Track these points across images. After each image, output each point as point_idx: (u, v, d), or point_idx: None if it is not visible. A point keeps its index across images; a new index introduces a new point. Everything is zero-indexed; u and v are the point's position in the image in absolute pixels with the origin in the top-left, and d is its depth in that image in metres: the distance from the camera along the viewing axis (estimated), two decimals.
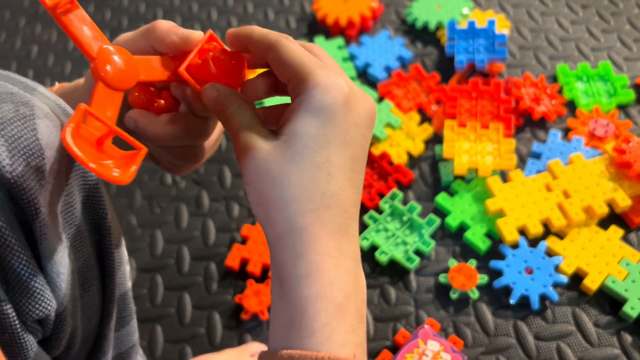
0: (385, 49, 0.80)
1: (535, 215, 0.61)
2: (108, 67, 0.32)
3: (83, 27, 0.31)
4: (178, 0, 0.93)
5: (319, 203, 0.29)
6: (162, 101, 0.36)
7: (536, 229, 0.61)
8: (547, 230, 0.62)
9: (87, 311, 0.36)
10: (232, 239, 0.65)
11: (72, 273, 0.33)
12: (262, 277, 0.62)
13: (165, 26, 0.34)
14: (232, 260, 0.62)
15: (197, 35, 0.34)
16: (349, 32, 0.82)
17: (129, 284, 0.40)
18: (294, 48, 0.31)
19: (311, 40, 0.83)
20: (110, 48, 0.32)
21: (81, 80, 0.43)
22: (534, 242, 0.61)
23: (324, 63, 0.32)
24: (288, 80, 0.31)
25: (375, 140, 0.70)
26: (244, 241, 0.64)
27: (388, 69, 0.78)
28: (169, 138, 0.34)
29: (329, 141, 0.30)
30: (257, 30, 0.33)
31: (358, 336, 0.29)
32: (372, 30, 0.84)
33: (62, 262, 0.31)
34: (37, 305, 0.31)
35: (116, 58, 0.32)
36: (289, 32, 0.86)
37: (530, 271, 0.59)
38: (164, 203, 0.69)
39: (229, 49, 0.35)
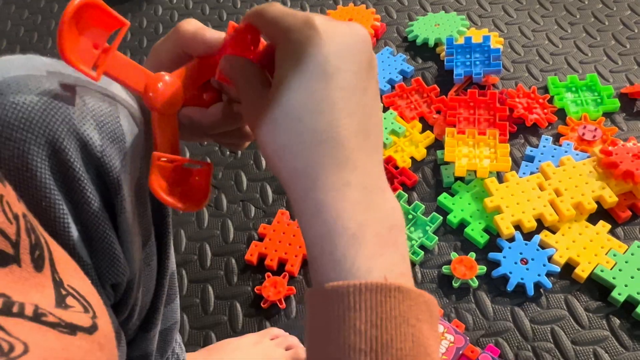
0: (388, 64, 0.88)
1: (529, 211, 0.69)
2: (159, 98, 0.34)
3: (126, 71, 0.34)
4: (191, 4, 1.03)
5: (309, 142, 0.29)
6: (207, 95, 0.40)
7: (530, 224, 0.68)
8: (541, 225, 0.69)
9: (147, 284, 0.41)
10: (249, 237, 0.72)
11: (139, 248, 0.38)
12: (279, 270, 0.69)
13: (190, 31, 0.35)
14: (251, 255, 0.69)
15: (222, 39, 0.36)
16: None
17: (174, 265, 0.46)
18: (274, 9, 0.32)
19: None
20: (154, 79, 0.35)
21: None
22: (528, 236, 0.68)
23: (300, 12, 0.31)
24: (272, 40, 0.32)
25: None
26: (261, 239, 0.72)
27: (391, 82, 0.86)
28: (220, 125, 0.39)
29: (308, 77, 0.29)
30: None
31: (387, 260, 0.28)
32: (376, 47, 0.92)
33: (134, 235, 0.37)
34: (115, 271, 0.35)
35: (161, 86, 0.35)
36: None
37: (525, 262, 0.66)
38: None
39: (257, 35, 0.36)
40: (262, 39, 0.36)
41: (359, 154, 0.30)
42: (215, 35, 0.35)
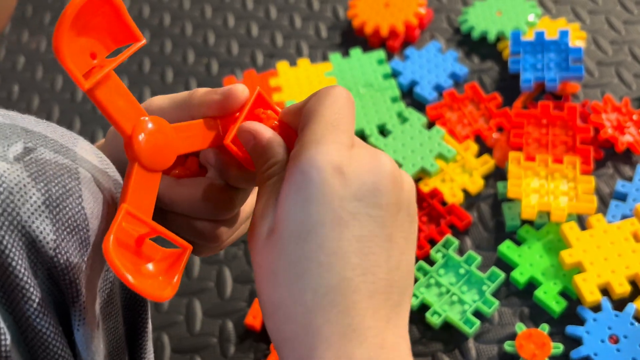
0: (435, 64, 0.81)
1: (621, 270, 0.61)
2: (147, 147, 0.33)
3: (117, 100, 0.32)
4: (188, 4, 0.96)
5: (310, 305, 0.28)
6: (184, 167, 0.38)
7: (622, 288, 0.61)
8: (636, 290, 0.62)
9: None
10: (252, 292, 0.66)
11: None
12: None
13: (202, 90, 0.37)
14: (253, 318, 0.63)
15: (240, 90, 0.36)
16: (392, 43, 0.84)
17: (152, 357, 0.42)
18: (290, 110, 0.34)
19: (346, 53, 0.85)
20: (147, 122, 0.33)
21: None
22: (619, 304, 0.61)
23: (318, 121, 0.31)
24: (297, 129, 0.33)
25: (424, 174, 0.71)
26: None
27: (439, 88, 0.79)
28: (187, 206, 0.37)
29: (319, 223, 0.29)
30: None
31: None
32: (419, 41, 0.85)
33: (98, 350, 0.33)
34: None
35: (153, 133, 0.33)
36: (320, 42, 0.88)
37: (615, 340, 0.59)
38: (171, 248, 0.70)
39: (277, 110, 0.37)
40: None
41: (371, 321, 0.29)
42: (232, 88, 0.36)
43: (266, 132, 0.34)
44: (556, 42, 0.77)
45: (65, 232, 0.31)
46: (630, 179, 0.69)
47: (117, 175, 0.35)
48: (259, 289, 0.30)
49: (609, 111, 0.73)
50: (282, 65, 0.84)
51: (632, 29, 0.82)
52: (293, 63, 0.85)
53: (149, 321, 0.41)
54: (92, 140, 0.81)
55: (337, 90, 0.33)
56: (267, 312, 0.30)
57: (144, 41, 0.32)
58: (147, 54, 0.91)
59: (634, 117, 0.72)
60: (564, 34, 0.77)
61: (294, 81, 0.82)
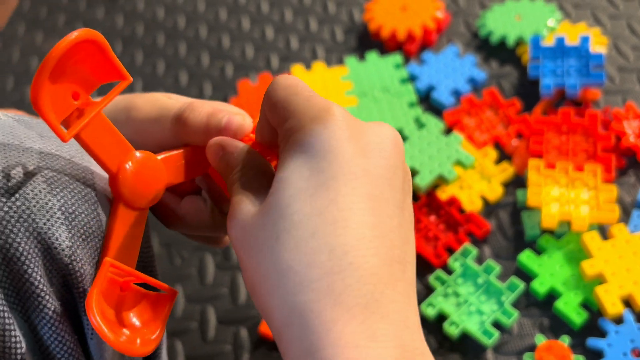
0: (453, 69, 0.80)
1: None
2: (130, 184, 0.31)
3: (101, 138, 0.30)
4: (203, 7, 0.96)
5: (327, 266, 0.24)
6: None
7: None
8: None
9: None
10: None
11: None
12: None
13: (196, 117, 0.34)
14: (267, 327, 0.62)
15: (237, 122, 0.35)
16: (409, 48, 0.83)
17: None
18: (279, 86, 0.31)
19: (362, 56, 0.84)
20: (133, 158, 0.32)
21: None
22: None
23: (312, 95, 0.30)
24: (276, 125, 0.30)
25: (442, 181, 0.70)
26: None
27: (457, 93, 0.78)
28: (191, 225, 0.37)
29: (332, 177, 0.26)
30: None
31: None
32: (437, 45, 0.84)
33: (113, 359, 0.33)
34: None
35: (140, 170, 0.32)
36: (335, 46, 0.87)
37: (638, 353, 0.58)
38: (185, 252, 0.70)
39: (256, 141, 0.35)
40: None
41: (392, 293, 0.25)
42: (232, 119, 0.34)
43: (236, 141, 0.33)
44: (577, 47, 0.76)
45: (80, 240, 0.30)
46: None
47: None
48: (250, 265, 0.26)
49: (631, 118, 0.72)
50: (297, 69, 0.83)
51: None
52: (308, 66, 0.84)
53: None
54: None
55: (290, 79, 0.32)
56: (269, 285, 0.25)
57: (131, 79, 0.31)
58: (162, 57, 0.90)
59: None
60: (585, 39, 0.76)
61: (309, 85, 0.81)
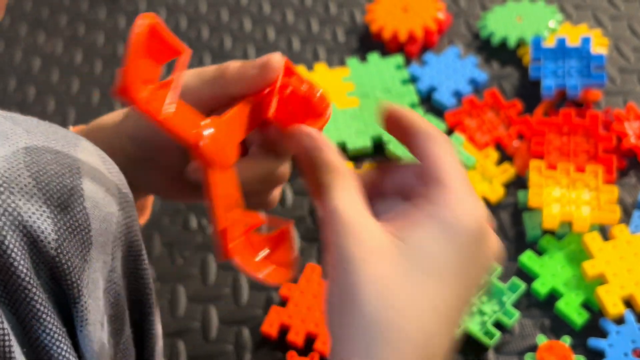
0: (454, 70, 0.80)
1: None
2: (212, 149, 0.34)
3: (177, 114, 0.33)
4: (205, 8, 0.96)
5: (413, 339, 0.28)
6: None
7: None
8: None
9: None
10: (269, 300, 0.66)
11: None
12: (306, 349, 0.62)
13: (235, 65, 0.37)
14: (270, 326, 0.63)
15: (276, 60, 0.37)
16: (410, 49, 0.83)
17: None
18: (439, 144, 0.33)
19: (363, 58, 0.84)
20: (207, 126, 0.34)
21: (105, 119, 0.45)
22: None
23: (462, 173, 0.33)
24: (417, 174, 0.33)
25: None
26: (283, 302, 0.65)
27: (458, 94, 0.78)
28: (250, 182, 0.38)
29: (450, 271, 0.29)
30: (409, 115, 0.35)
31: None
32: (438, 46, 0.85)
33: (103, 352, 0.33)
34: None
35: (215, 135, 0.34)
36: (336, 47, 0.87)
37: (639, 354, 0.58)
38: (187, 252, 0.70)
39: (305, 80, 0.38)
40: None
41: None
42: (267, 58, 0.37)
43: (330, 145, 0.34)
44: (578, 49, 0.76)
45: (67, 232, 0.30)
46: None
47: (120, 176, 0.35)
48: (358, 289, 0.29)
49: (632, 119, 0.72)
50: (299, 70, 0.83)
51: None
52: (310, 67, 0.85)
53: (157, 325, 0.41)
54: None
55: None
56: (359, 318, 0.28)
57: (190, 50, 0.34)
58: None
59: None
60: (586, 40, 0.76)
61: None
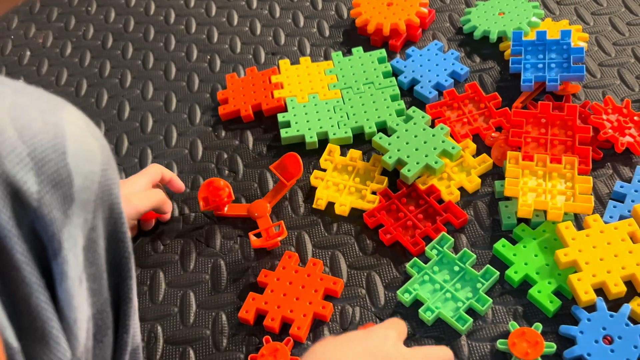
0: (436, 63, 0.81)
1: (616, 271, 0.61)
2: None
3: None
4: (193, 1, 0.97)
5: None
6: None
7: (618, 288, 0.60)
8: (633, 291, 0.61)
9: None
10: (246, 286, 0.66)
11: (88, 320, 0.36)
12: (282, 334, 0.62)
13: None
14: (246, 312, 0.63)
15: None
16: (393, 42, 0.84)
17: (139, 337, 0.42)
18: None
19: (349, 51, 0.85)
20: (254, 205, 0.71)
21: None
22: (614, 305, 0.60)
23: None
24: None
25: (429, 172, 0.70)
26: (261, 289, 0.65)
27: (439, 87, 0.79)
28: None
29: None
30: None
31: None
32: (421, 40, 0.86)
33: (81, 307, 0.34)
34: (52, 356, 0.33)
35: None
36: (322, 40, 0.88)
37: (609, 340, 0.58)
38: (167, 239, 0.71)
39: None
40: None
41: None
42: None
43: None
44: (558, 41, 0.77)
45: (49, 186, 0.31)
46: (629, 180, 0.69)
47: (103, 141, 0.36)
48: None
49: (610, 112, 0.73)
50: (284, 63, 0.84)
51: (636, 30, 0.82)
52: (295, 61, 0.85)
53: (134, 291, 0.41)
54: None
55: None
56: None
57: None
58: (151, 50, 0.91)
59: (635, 118, 0.72)
60: (566, 33, 0.77)
61: (294, 78, 0.82)
